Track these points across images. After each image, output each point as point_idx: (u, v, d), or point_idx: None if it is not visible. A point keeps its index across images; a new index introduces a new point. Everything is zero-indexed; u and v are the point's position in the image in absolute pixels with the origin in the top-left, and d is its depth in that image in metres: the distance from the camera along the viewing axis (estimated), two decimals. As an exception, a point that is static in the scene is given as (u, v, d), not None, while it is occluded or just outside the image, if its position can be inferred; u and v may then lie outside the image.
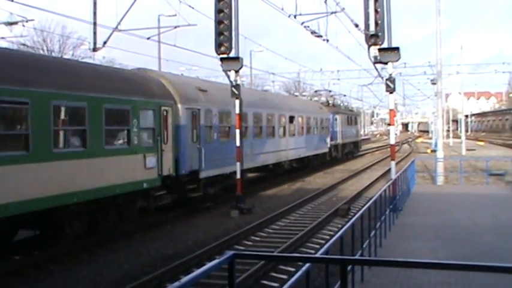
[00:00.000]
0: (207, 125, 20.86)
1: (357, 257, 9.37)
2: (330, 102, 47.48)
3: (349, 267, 8.97)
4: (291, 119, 31.98)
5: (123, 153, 15.76)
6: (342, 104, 53.30)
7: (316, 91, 54.64)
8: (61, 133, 13.71)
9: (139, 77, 18.22)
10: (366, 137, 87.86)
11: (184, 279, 4.04)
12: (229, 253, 4.62)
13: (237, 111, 20.71)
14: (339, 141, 43.75)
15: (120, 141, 16.02)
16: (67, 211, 13.84)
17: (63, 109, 13.58)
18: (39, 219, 13.39)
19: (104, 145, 14.91)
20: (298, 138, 33.00)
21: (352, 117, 49.93)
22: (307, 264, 5.96)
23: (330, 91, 52.72)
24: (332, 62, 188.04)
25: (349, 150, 48.26)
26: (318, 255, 6.90)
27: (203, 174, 20.30)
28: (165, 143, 17.75)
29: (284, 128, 30.41)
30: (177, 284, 3.91)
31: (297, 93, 75.81)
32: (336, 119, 42.86)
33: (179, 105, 18.97)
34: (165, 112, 17.87)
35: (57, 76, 13.82)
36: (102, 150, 14.82)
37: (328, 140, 39.84)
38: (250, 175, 27.53)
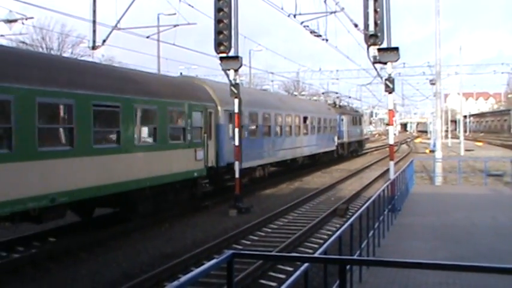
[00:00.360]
0: (242, 124, 22.38)
1: (355, 257, 9.38)
2: (337, 103, 50.42)
3: (347, 267, 8.99)
4: (305, 119, 34.75)
5: (181, 148, 18.92)
6: (347, 105, 56.79)
7: (323, 93, 58.09)
8: (141, 130, 16.86)
9: (189, 84, 21.64)
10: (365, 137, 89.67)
11: (183, 278, 4.04)
12: (228, 252, 4.62)
13: (236, 110, 20.70)
14: (345, 140, 46.59)
15: (179, 138, 18.94)
16: (142, 193, 16.87)
17: (140, 111, 16.68)
18: (121, 199, 16.29)
19: (169, 140, 18.08)
20: (311, 137, 36.02)
21: (356, 118, 52.72)
22: (306, 264, 5.96)
23: (337, 93, 55.61)
24: (332, 61, 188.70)
25: (354, 149, 51.13)
26: (316, 255, 6.90)
27: (222, 166, 22.53)
28: (209, 139, 20.93)
29: (299, 127, 33.41)
30: (176, 283, 3.91)
31: (295, 93, 75.82)
32: (342, 120, 45.73)
33: (219, 108, 22.00)
34: (209, 113, 21.02)
35: (135, 86, 16.90)
36: (168, 145, 18.09)
37: (335, 138, 42.70)
38: (271, 169, 30.74)
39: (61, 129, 13.90)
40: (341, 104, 52.36)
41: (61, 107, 13.80)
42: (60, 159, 13.38)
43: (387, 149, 24.08)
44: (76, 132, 13.75)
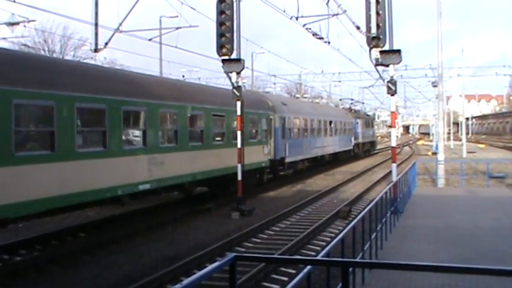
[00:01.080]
0: (289, 127, 31.19)
1: (358, 259, 9.37)
2: (353, 108, 56.91)
3: (349, 270, 8.98)
4: (330, 123, 41.49)
5: (256, 144, 25.70)
6: (361, 110, 64.34)
7: (340, 99, 64.99)
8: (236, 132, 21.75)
9: (259, 97, 29.22)
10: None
11: (186, 281, 4.03)
12: (230, 255, 4.61)
13: (238, 112, 20.70)
14: (360, 140, 53.24)
15: (255, 137, 25.81)
16: (232, 177, 21.42)
17: (226, 118, 22.83)
18: (219, 181, 22.39)
19: (249, 139, 24.20)
20: (334, 138, 42.62)
21: (369, 121, 59.51)
22: (308, 267, 5.95)
23: (352, 99, 63.24)
24: (335, 64, 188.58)
25: (367, 148, 57.53)
26: (319, 257, 6.89)
27: (287, 160, 30.77)
28: (270, 138, 28.03)
29: (326, 130, 40.16)
30: (178, 286, 3.90)
31: (298, 95, 75.80)
32: (357, 123, 52.20)
33: (276, 115, 29.15)
34: (270, 119, 28.18)
35: (217, 99, 22.71)
36: (249, 142, 23.95)
37: (352, 139, 49.01)
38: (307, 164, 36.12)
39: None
40: (356, 109, 59.40)
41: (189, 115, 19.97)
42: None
43: (389, 151, 24.06)
44: (203, 134, 20.97)
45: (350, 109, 55.33)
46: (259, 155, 25.90)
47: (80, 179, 14.15)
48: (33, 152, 13.07)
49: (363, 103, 73.63)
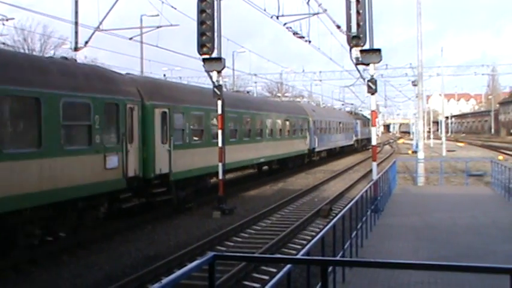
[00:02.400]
0: (317, 127, 42.73)
1: (337, 258, 9.42)
2: (353, 111, 71.60)
3: (330, 268, 9.02)
4: (339, 123, 53.29)
5: (302, 138, 38.31)
6: (359, 113, 77.89)
7: (342, 104, 79.75)
8: (289, 129, 35.22)
9: (296, 104, 45.32)
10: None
11: (165, 280, 4.03)
12: (209, 254, 4.62)
13: (219, 111, 20.68)
14: (359, 137, 65.53)
15: (299, 132, 37.78)
16: (289, 160, 35.22)
17: (289, 121, 35.64)
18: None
19: (293, 134, 36.25)
20: (342, 135, 54.26)
21: (366, 121, 69.08)
22: (288, 266, 5.97)
23: (352, 104, 79.50)
24: (319, 62, 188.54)
25: (365, 143, 68.25)
26: (299, 256, 6.92)
27: (317, 149, 42.51)
28: (308, 134, 39.81)
29: (337, 128, 52.09)
30: (157, 285, 3.90)
31: (279, 94, 75.90)
32: (357, 123, 64.48)
33: (309, 118, 41.01)
34: (307, 121, 39.98)
35: (283, 109, 36.57)
36: (298, 136, 37.53)
37: (353, 136, 60.94)
38: (322, 155, 46.31)
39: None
40: (355, 111, 75.19)
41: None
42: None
43: (370, 150, 24.22)
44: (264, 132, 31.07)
45: (351, 112, 69.39)
46: (303, 145, 38.43)
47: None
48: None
49: (343, 104, 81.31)
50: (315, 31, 42.03)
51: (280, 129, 33.44)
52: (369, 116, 79.45)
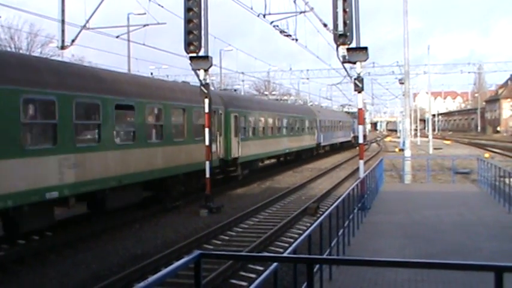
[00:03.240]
0: (322, 125, 50.26)
1: (323, 256, 9.44)
2: (350, 111, 76.41)
3: (317, 266, 9.04)
4: (340, 122, 61.69)
5: (311, 134, 46.07)
6: (356, 112, 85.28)
7: (341, 105, 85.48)
8: (308, 127, 45.56)
9: (307, 107, 53.45)
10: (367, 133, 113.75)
11: (151, 279, 4.02)
12: (195, 252, 4.61)
13: (206, 110, 20.66)
14: (356, 134, 69.42)
15: (308, 131, 45.17)
16: (306, 152, 45.39)
17: (307, 121, 45.13)
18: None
19: (308, 131, 45.16)
20: (341, 132, 62.39)
21: (345, 119, 79.08)
22: (274, 264, 5.98)
23: (350, 104, 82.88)
24: (308, 60, 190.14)
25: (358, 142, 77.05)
26: (285, 254, 6.93)
27: (322, 144, 50.22)
28: (316, 132, 47.77)
29: (338, 127, 60.36)
30: (142, 284, 3.89)
31: (266, 93, 75.92)
32: (354, 122, 67.96)
33: (317, 118, 48.92)
34: (314, 120, 47.02)
35: (291, 109, 43.61)
36: (308, 132, 45.23)
37: (351, 133, 67.68)
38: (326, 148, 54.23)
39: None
40: (352, 112, 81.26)
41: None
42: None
43: (357, 148, 24.33)
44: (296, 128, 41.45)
45: (348, 112, 76.07)
46: (312, 140, 45.97)
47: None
48: None
49: (342, 105, 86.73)
50: (302, 29, 42.39)
51: (298, 127, 42.04)
52: (338, 110, 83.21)
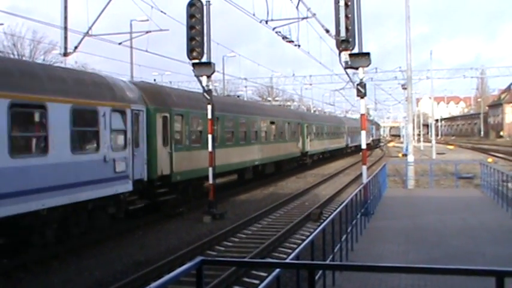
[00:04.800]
0: (349, 131, 64.11)
1: (326, 261, 9.43)
2: (370, 119, 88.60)
3: (320, 272, 9.04)
4: (351, 128, 65.70)
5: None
6: (373, 119, 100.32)
7: (346, 111, 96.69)
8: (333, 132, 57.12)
9: (337, 116, 74.29)
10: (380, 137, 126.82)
11: (152, 285, 4.03)
12: (197, 259, 4.62)
13: (209, 116, 20.70)
14: (374, 138, 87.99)
15: (338, 135, 58.75)
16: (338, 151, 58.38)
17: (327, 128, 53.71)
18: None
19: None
20: (349, 137, 65.27)
21: (378, 127, 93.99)
22: (277, 270, 5.98)
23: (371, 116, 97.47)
24: (313, 67, 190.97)
25: (375, 144, 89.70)
26: (287, 260, 6.93)
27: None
28: (344, 136, 62.86)
29: (359, 132, 59.77)
30: (144, 290, 3.91)
31: (269, 98, 75.97)
32: (373, 127, 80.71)
33: (346, 125, 64.06)
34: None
35: (323, 118, 59.29)
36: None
37: (370, 137, 74.94)
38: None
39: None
40: (372, 119, 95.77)
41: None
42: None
43: (360, 153, 24.33)
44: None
45: (369, 119, 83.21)
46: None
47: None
48: None
49: (333, 105, 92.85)
50: (306, 36, 42.43)
51: (334, 133, 54.84)
52: (341, 115, 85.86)
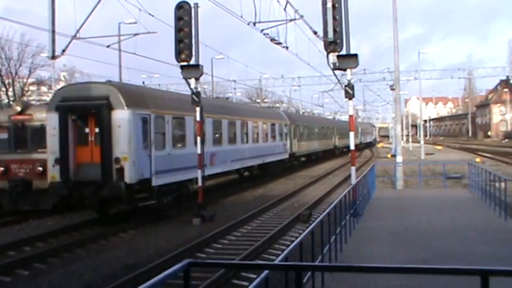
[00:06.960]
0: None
1: (314, 263, 9.44)
2: (370, 123, 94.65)
3: (309, 273, 9.05)
4: (367, 129, 76.41)
5: (328, 139, 59.98)
6: (369, 123, 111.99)
7: (335, 112, 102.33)
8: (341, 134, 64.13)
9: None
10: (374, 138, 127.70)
11: (139, 288, 4.02)
12: (184, 261, 4.61)
13: (198, 118, 20.68)
14: (362, 140, 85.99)
15: (328, 136, 60.41)
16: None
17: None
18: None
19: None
20: (368, 136, 76.13)
21: (370, 128, 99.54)
22: (265, 272, 5.98)
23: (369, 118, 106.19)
24: (304, 69, 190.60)
25: (369, 145, 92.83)
26: (275, 262, 6.94)
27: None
28: (333, 137, 63.58)
29: (365, 132, 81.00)
30: (132, 294, 3.89)
31: (258, 100, 76.06)
32: (373, 129, 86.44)
33: (335, 127, 65.01)
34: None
35: (328, 121, 70.80)
36: (328, 137, 59.26)
37: (372, 137, 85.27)
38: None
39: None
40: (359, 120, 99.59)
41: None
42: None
43: (349, 154, 24.37)
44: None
45: (369, 123, 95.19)
46: (331, 143, 54.94)
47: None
48: None
49: (322, 106, 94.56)
50: (294, 38, 42.55)
51: (326, 134, 57.88)
52: (330, 117, 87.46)
